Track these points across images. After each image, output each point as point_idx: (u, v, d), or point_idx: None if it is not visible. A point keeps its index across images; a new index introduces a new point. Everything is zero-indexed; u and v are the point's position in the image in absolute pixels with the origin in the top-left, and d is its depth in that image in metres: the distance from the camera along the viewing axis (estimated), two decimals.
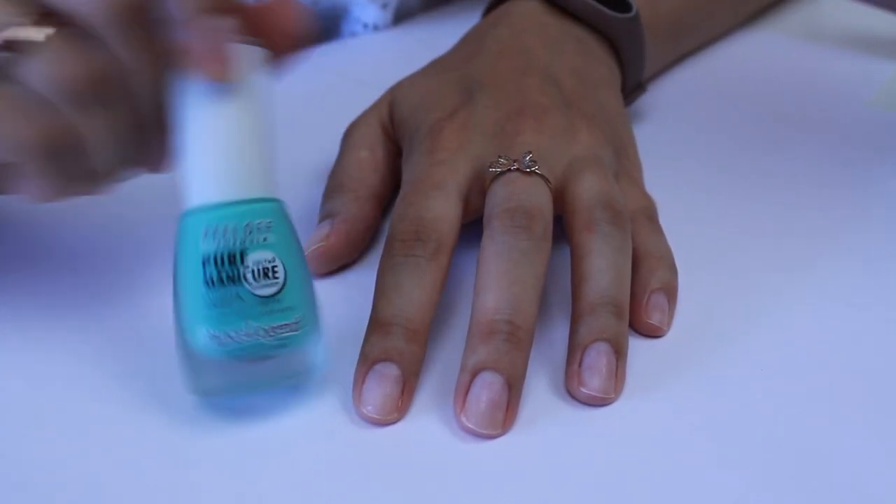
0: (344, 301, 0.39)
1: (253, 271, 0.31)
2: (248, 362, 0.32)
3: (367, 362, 0.35)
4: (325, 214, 0.41)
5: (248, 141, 0.32)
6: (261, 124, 0.32)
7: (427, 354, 0.37)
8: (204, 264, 0.31)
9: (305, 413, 0.34)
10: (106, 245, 0.42)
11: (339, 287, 0.40)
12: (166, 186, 0.33)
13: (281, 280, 0.32)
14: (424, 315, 0.35)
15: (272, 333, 0.32)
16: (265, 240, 0.31)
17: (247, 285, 0.31)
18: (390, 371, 0.34)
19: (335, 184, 0.43)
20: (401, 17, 0.63)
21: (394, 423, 0.34)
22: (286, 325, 0.32)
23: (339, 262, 0.41)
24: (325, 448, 0.33)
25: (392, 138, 0.44)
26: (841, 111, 0.53)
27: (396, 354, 0.34)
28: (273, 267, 0.31)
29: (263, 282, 0.31)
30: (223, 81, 0.31)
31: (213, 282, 0.31)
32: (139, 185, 0.39)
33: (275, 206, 0.32)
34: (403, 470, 0.33)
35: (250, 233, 0.31)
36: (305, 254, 0.40)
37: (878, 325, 0.39)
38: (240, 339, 0.31)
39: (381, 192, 0.43)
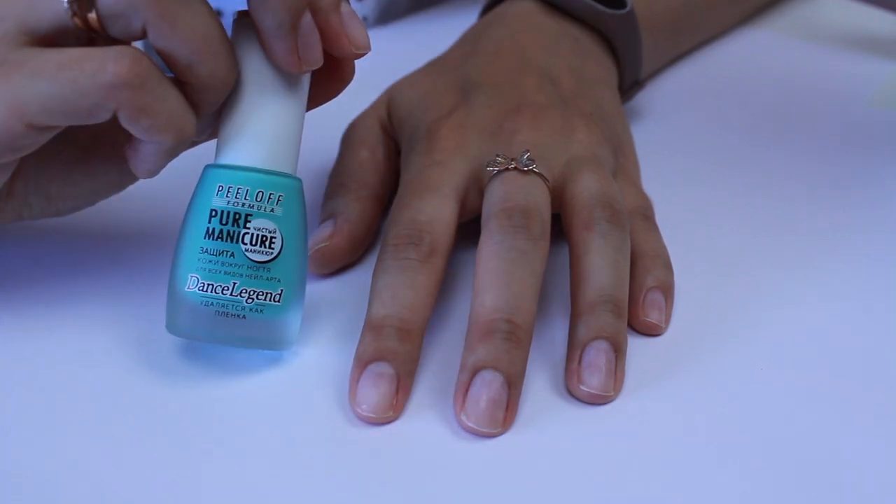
0: (343, 301, 0.39)
1: (252, 235, 0.33)
2: (223, 316, 0.34)
3: (360, 363, 0.35)
4: (327, 215, 0.42)
5: (283, 121, 0.34)
6: (298, 111, 0.35)
7: (426, 354, 0.37)
8: (210, 216, 0.34)
9: (304, 413, 0.34)
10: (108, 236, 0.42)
11: (339, 287, 0.40)
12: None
13: (276, 251, 0.34)
14: (418, 315, 0.35)
15: (252, 297, 0.34)
16: (272, 211, 0.34)
17: (242, 246, 0.33)
18: (384, 370, 0.34)
19: (336, 184, 0.43)
20: (386, 14, 0.63)
21: (390, 421, 0.34)
22: (268, 293, 0.34)
23: (342, 262, 0.41)
24: (325, 447, 0.33)
25: (391, 137, 0.44)
26: (841, 111, 0.53)
27: (389, 354, 0.34)
28: (272, 237, 0.34)
29: (259, 248, 0.34)
30: (298, 73, 0.34)
31: (213, 234, 0.34)
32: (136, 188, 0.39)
33: (291, 184, 0.34)
34: (403, 469, 0.32)
35: (259, 200, 0.34)
36: (307, 254, 0.40)
37: (878, 323, 0.39)
38: (221, 292, 0.34)
39: (381, 192, 0.43)
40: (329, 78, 0.35)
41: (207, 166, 0.35)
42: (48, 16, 0.32)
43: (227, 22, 0.35)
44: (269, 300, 0.34)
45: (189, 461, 0.33)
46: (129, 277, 0.40)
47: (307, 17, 0.33)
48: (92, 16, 0.32)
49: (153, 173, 0.34)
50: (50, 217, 0.37)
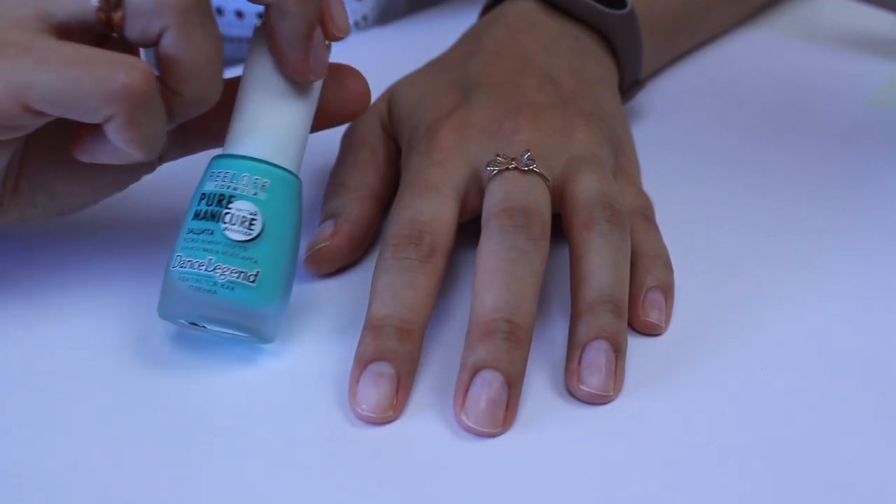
0: (343, 301, 0.39)
1: (232, 215, 0.34)
2: (195, 291, 0.34)
3: (360, 364, 0.35)
4: (327, 215, 0.41)
5: (285, 121, 0.36)
6: (303, 114, 0.36)
7: (426, 353, 0.37)
8: (200, 199, 0.35)
9: (304, 412, 0.34)
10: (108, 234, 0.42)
11: (340, 287, 0.40)
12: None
13: (255, 233, 0.34)
14: (418, 315, 0.35)
15: (225, 274, 0.34)
16: (255, 194, 0.34)
17: (221, 225, 0.34)
18: (384, 370, 0.34)
19: (337, 184, 0.43)
20: (386, 14, 0.63)
21: (390, 421, 0.34)
22: (242, 272, 0.34)
23: (342, 262, 0.41)
24: (325, 447, 0.33)
25: (392, 137, 0.44)
26: (841, 111, 0.53)
27: (389, 354, 0.34)
28: (252, 219, 0.34)
29: (237, 227, 0.34)
30: (306, 82, 0.36)
31: (199, 215, 0.34)
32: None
33: (280, 174, 0.35)
34: (403, 469, 0.32)
35: (245, 184, 0.34)
36: (309, 254, 0.40)
37: (878, 323, 0.39)
38: (196, 267, 0.34)
39: (381, 191, 0.43)
40: (346, 103, 0.38)
41: (213, 157, 0.36)
42: (73, 6, 0.32)
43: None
44: (242, 279, 0.34)
45: (189, 461, 0.33)
46: (130, 275, 0.40)
47: (318, 30, 0.35)
48: (117, 14, 0.32)
49: (88, 159, 0.34)
50: (52, 217, 0.38)
